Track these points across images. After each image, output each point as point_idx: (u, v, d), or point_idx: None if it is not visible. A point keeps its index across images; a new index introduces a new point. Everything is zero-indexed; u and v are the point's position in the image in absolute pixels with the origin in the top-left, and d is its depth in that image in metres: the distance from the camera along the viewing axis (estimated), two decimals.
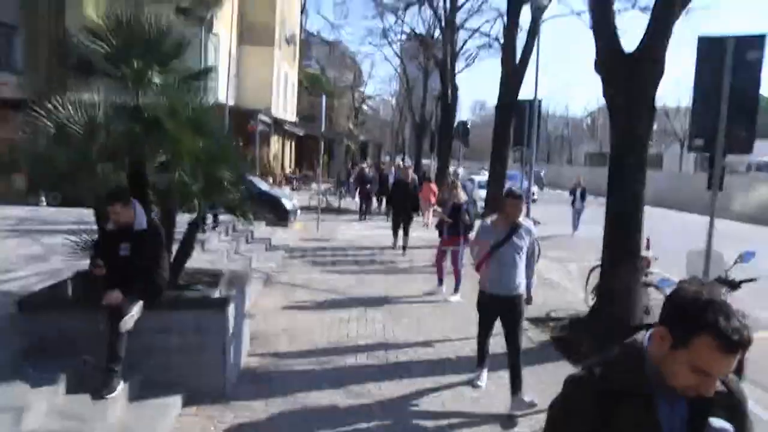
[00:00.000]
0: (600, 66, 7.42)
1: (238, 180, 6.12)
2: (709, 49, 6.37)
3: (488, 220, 5.78)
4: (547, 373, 6.22)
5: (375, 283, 10.48)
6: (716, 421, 1.63)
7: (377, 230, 17.12)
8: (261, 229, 13.79)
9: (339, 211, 22.71)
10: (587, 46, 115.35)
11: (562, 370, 6.35)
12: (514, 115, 13.48)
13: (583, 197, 19.23)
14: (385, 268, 12.06)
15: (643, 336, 1.74)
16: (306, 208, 20.24)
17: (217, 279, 6.26)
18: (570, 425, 1.73)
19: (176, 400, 5.11)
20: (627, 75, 7.09)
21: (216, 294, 5.80)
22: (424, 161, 30.74)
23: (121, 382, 4.77)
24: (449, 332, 7.77)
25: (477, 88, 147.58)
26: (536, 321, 8.17)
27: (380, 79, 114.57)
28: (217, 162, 5.84)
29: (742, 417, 1.74)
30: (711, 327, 1.53)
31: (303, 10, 35.07)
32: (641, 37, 7.30)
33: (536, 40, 12.83)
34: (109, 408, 4.62)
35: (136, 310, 4.86)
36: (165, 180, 5.85)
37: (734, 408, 1.72)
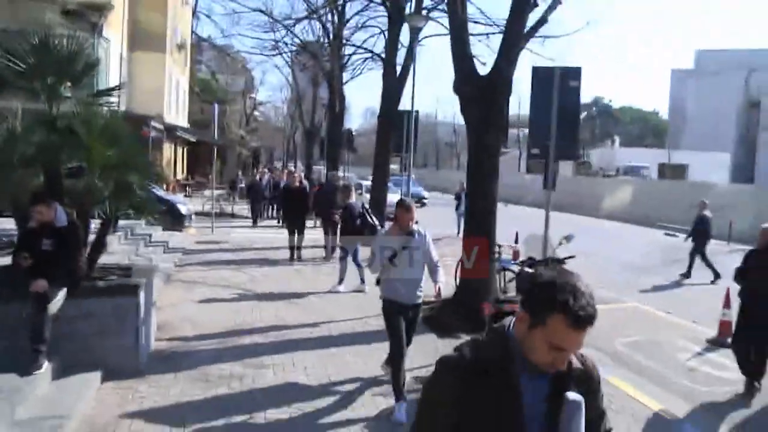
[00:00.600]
0: (457, 87, 8.73)
1: (146, 184, 6.89)
2: (542, 77, 7.84)
3: (382, 231, 6.00)
4: (419, 344, 7.43)
5: (268, 279, 11.39)
6: (571, 394, 1.79)
7: (269, 233, 17.87)
8: (158, 233, 14.27)
9: (233, 216, 23.24)
10: None
11: (429, 339, 7.65)
12: (394, 125, 14.78)
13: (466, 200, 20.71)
14: (278, 266, 12.94)
15: (509, 320, 1.90)
16: (200, 214, 20.70)
17: (127, 272, 6.99)
18: (440, 401, 1.84)
19: (96, 376, 5.83)
20: (480, 95, 8.45)
21: (128, 283, 6.54)
22: (316, 167, 31.69)
23: (46, 362, 5.46)
24: (334, 315, 8.85)
25: (369, 95, 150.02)
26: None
27: (272, 85, 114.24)
28: (126, 168, 6.58)
29: (596, 390, 1.95)
30: (562, 307, 1.70)
31: (194, 14, 35.06)
32: (494, 61, 8.70)
33: (413, 56, 14.18)
34: (36, 383, 5.31)
35: (58, 296, 5.58)
36: (79, 184, 6.53)
37: (589, 382, 1.91)
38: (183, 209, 17.35)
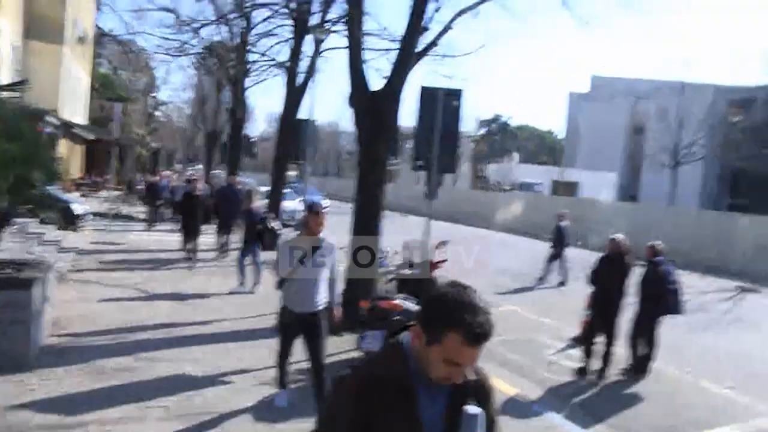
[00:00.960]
0: (351, 99, 9.39)
1: (49, 180, 7.11)
2: (427, 96, 8.67)
3: (290, 237, 5.85)
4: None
5: (163, 280, 11.64)
6: (470, 408, 1.79)
7: (166, 237, 17.87)
8: (52, 232, 14.09)
9: (130, 218, 22.92)
10: None
11: None
12: (294, 132, 15.31)
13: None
14: (173, 268, 13.14)
15: (405, 335, 1.90)
16: (96, 214, 20.36)
17: (21, 267, 7.17)
18: (339, 419, 1.82)
19: None
20: (371, 109, 9.15)
21: (21, 277, 6.75)
22: (216, 171, 31.60)
23: None
24: (226, 314, 9.30)
25: (274, 101, 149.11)
26: None
27: (175, 85, 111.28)
28: (27, 163, 6.81)
29: (490, 401, 1.98)
30: (458, 324, 1.71)
31: (98, 6, 34.07)
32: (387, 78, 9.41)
33: (314, 67, 14.83)
34: None
35: None
36: None
37: (485, 394, 1.96)
38: (78, 209, 17.09)
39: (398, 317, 6.56)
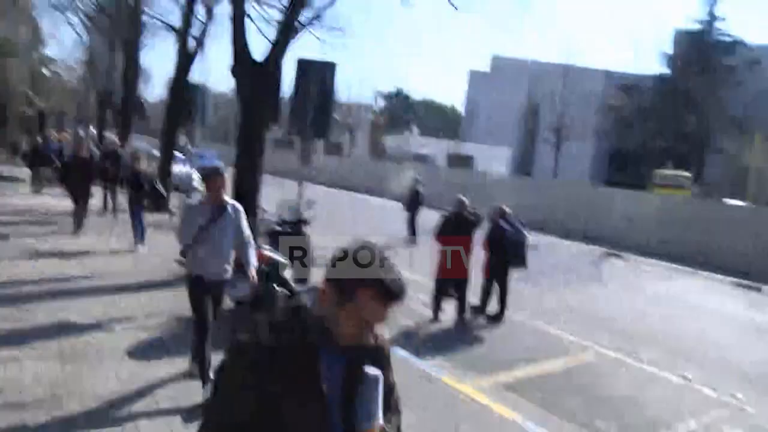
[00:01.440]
0: (232, 68, 9.92)
1: None
2: (304, 68, 9.37)
3: (194, 200, 5.70)
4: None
5: (50, 240, 11.82)
6: (371, 370, 1.78)
7: (53, 201, 17.54)
8: None
9: (15, 179, 22.19)
10: None
11: None
12: (184, 97, 15.56)
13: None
14: (61, 230, 13.20)
15: (305, 295, 1.85)
16: None
17: None
18: (237, 388, 1.73)
19: None
20: (252, 77, 9.73)
21: None
22: (108, 134, 30.82)
23: None
24: (111, 270, 9.76)
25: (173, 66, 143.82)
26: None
27: (65, 43, 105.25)
28: None
29: (388, 364, 1.94)
30: (374, 282, 1.69)
31: None
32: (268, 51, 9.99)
33: (205, 32, 15.09)
34: None
35: None
36: None
37: (382, 358, 1.91)
38: None
39: (265, 267, 7.25)
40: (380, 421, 1.80)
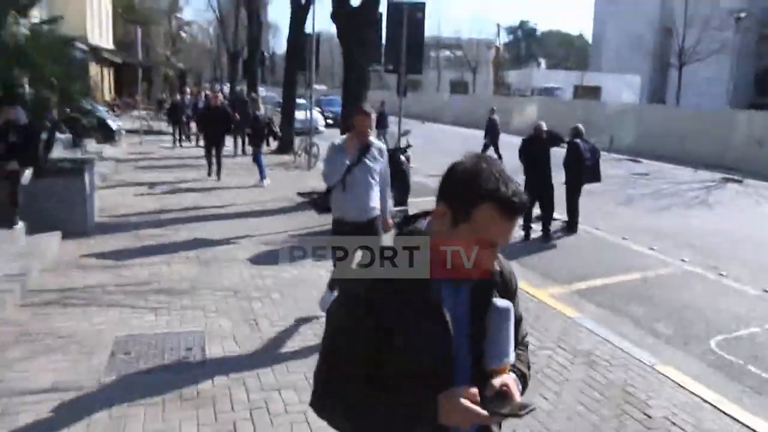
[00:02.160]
0: (333, 14, 10.99)
1: (86, 93, 9.08)
2: (394, 9, 10.26)
3: (338, 141, 5.44)
4: (303, 216, 10.05)
5: (188, 177, 13.76)
6: (499, 301, 1.63)
7: (191, 149, 19.83)
8: (92, 145, 16.24)
9: (160, 132, 25.00)
10: None
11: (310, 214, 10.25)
12: (301, 47, 16.92)
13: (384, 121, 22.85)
14: (198, 172, 15.17)
15: (422, 222, 1.69)
16: (129, 131, 22.49)
17: (75, 162, 9.25)
18: (352, 326, 1.61)
19: (57, 234, 8.17)
20: (351, 22, 10.76)
21: (76, 167, 8.84)
22: (239, 87, 33.28)
23: (21, 221, 7.80)
24: (242, 200, 11.37)
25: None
26: (303, 194, 11.97)
27: (198, 5, 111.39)
28: (69, 80, 8.75)
29: (515, 292, 1.77)
30: (492, 195, 1.51)
31: None
32: None
33: None
34: (16, 236, 7.67)
35: (27, 173, 7.87)
36: (31, 94, 8.68)
37: (508, 285, 1.75)
38: (113, 125, 19.22)
39: None
40: (511, 358, 1.64)
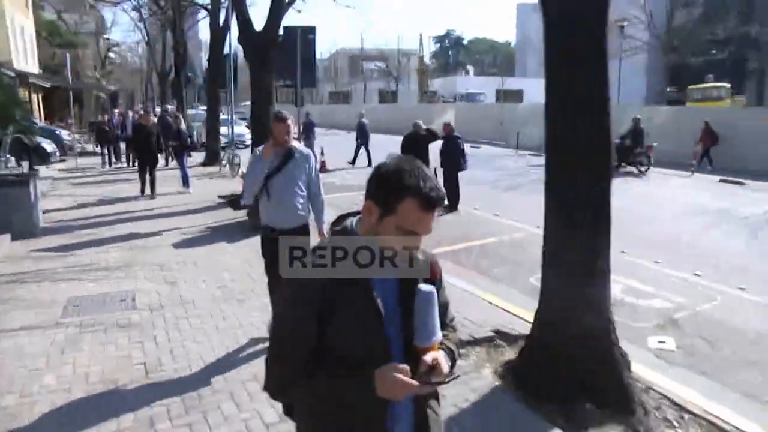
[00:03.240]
0: (239, 39, 12.90)
1: (25, 116, 10.74)
2: (289, 33, 12.29)
3: (258, 149, 5.43)
4: (222, 213, 11.93)
5: (121, 190, 15.44)
6: (424, 286, 1.87)
7: (124, 169, 21.50)
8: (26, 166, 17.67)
9: (93, 154, 26.24)
10: None
11: (228, 212, 12.14)
12: (220, 68, 18.85)
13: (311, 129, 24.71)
14: (129, 185, 16.78)
15: (350, 221, 1.95)
16: (62, 153, 23.82)
17: (20, 175, 10.89)
18: (297, 317, 1.85)
19: (7, 236, 9.80)
20: (256, 46, 12.70)
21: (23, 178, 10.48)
22: (167, 106, 34.72)
23: None
24: (172, 203, 13.15)
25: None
26: (223, 197, 13.80)
27: (126, 26, 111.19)
28: (8, 105, 10.42)
29: (440, 281, 2.06)
30: (413, 190, 1.76)
31: None
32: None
33: (229, 9, 18.15)
34: None
35: None
36: None
37: (434, 274, 2.03)
38: (48, 147, 20.62)
39: None
40: (438, 336, 1.87)
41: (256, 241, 6.62)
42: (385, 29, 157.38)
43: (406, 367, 1.76)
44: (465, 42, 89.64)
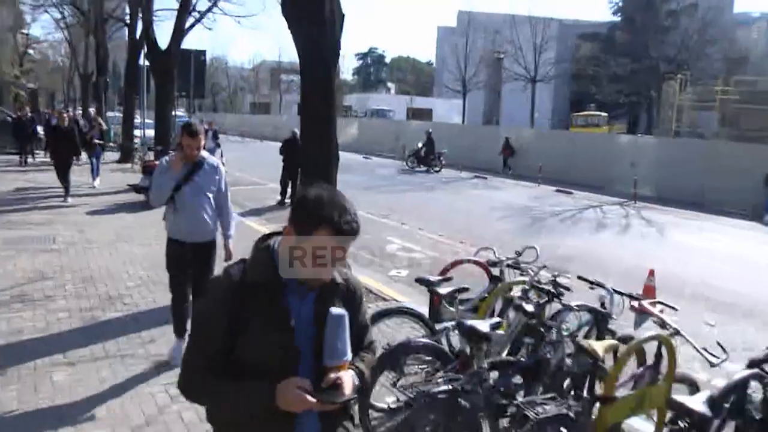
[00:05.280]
0: (146, 56, 16.34)
1: None
2: (185, 55, 15.81)
3: (165, 159, 5.36)
4: (127, 195, 15.29)
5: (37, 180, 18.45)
6: (334, 309, 1.99)
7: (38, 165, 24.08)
8: None
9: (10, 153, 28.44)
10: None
11: (132, 194, 15.49)
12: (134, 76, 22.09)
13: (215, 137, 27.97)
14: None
15: (274, 240, 2.08)
16: None
17: None
18: (211, 321, 2.00)
19: None
20: (161, 63, 16.14)
21: None
22: (90, 108, 37.08)
23: None
24: (78, 192, 16.31)
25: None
26: (130, 185, 17.06)
27: (46, 24, 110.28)
28: None
29: (359, 305, 2.21)
30: (327, 221, 1.89)
31: None
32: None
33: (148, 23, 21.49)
34: None
35: None
36: None
37: (352, 296, 2.17)
38: None
39: None
40: (347, 357, 2.00)
41: (153, 212, 10.07)
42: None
43: (308, 381, 1.91)
44: (388, 60, 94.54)
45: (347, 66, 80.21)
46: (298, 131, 16.10)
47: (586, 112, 45.50)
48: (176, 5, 17.60)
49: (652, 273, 6.83)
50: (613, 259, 11.31)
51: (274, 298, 1.99)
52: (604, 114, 44.35)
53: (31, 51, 64.93)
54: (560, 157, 25.97)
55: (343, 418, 2.19)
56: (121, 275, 8.35)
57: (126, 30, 25.41)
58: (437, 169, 28.26)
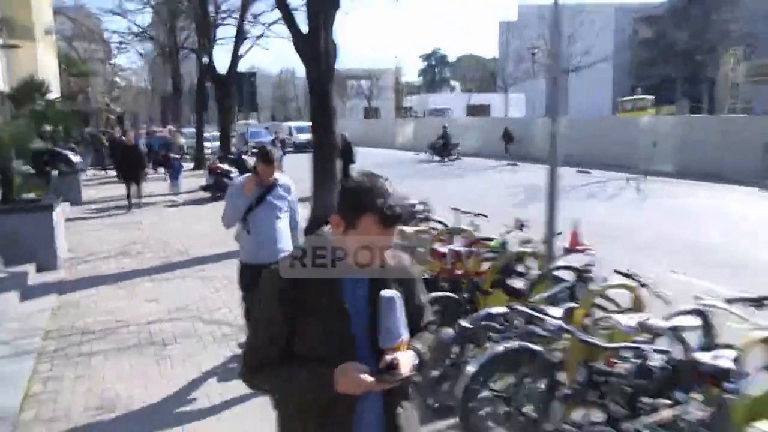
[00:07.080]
0: (210, 79, 20.17)
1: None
2: (240, 76, 19.54)
3: (238, 180, 5.36)
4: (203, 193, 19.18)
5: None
6: (386, 291, 2.04)
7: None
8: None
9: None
10: None
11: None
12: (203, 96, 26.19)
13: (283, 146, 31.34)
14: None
15: (326, 230, 2.13)
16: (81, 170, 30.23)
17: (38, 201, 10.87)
18: (268, 313, 2.10)
19: (32, 266, 9.57)
20: (220, 82, 19.96)
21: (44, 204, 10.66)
22: (170, 127, 41.54)
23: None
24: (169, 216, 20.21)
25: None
26: (202, 186, 20.92)
27: (130, 53, 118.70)
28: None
29: (413, 286, 2.25)
30: (371, 207, 1.94)
31: None
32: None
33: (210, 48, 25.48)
34: None
35: None
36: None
37: (406, 279, 2.21)
38: (74, 158, 27.42)
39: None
40: (402, 338, 2.04)
41: (217, 205, 13.49)
42: (384, 45, 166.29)
43: (363, 366, 1.98)
44: (452, 59, 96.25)
45: (412, 68, 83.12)
46: (347, 134, 19.00)
47: (632, 96, 46.98)
48: (234, 32, 21.41)
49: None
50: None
51: (329, 287, 2.07)
52: (650, 97, 45.21)
53: (117, 79, 71.10)
54: (590, 139, 27.83)
55: (403, 397, 2.22)
56: (189, 240, 12.06)
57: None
58: (453, 158, 31.73)
